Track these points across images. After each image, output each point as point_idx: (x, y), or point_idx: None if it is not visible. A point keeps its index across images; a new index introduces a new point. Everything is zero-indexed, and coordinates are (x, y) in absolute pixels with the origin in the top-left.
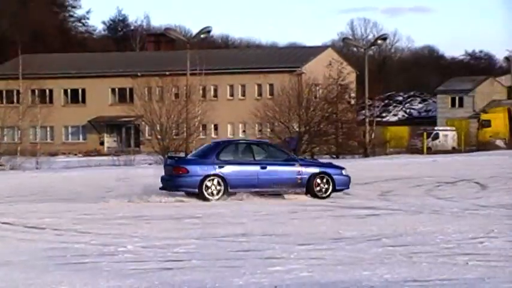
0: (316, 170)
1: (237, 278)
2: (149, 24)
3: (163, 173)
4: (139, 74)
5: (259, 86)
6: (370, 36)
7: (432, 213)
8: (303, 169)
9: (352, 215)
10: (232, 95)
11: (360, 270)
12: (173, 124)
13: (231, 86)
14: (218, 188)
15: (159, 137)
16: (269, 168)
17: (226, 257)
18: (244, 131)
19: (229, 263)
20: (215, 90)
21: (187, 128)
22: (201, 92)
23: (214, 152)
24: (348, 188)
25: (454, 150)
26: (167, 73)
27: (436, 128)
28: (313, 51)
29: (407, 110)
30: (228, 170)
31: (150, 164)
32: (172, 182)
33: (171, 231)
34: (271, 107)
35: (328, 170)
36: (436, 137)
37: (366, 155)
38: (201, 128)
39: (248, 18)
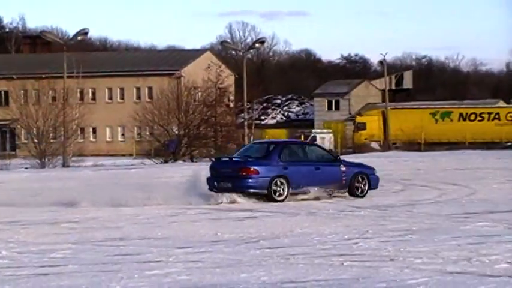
0: (356, 170)
1: (114, 283)
2: (25, 26)
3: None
4: (14, 76)
5: (138, 89)
6: (249, 40)
7: (309, 215)
8: (346, 169)
9: (231, 217)
10: (110, 98)
11: (238, 272)
12: (50, 128)
13: (110, 89)
14: (283, 189)
15: (35, 140)
16: (321, 168)
17: (104, 261)
18: (123, 135)
19: (107, 268)
20: (93, 93)
21: (64, 131)
22: (78, 95)
23: (275, 153)
24: (377, 187)
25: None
26: (43, 76)
27: (313, 131)
28: (192, 55)
29: (286, 113)
30: (290, 171)
31: (26, 168)
32: (239, 183)
33: (47, 236)
34: (151, 110)
35: (365, 171)
36: (314, 139)
37: None
38: (79, 132)
39: (126, 20)
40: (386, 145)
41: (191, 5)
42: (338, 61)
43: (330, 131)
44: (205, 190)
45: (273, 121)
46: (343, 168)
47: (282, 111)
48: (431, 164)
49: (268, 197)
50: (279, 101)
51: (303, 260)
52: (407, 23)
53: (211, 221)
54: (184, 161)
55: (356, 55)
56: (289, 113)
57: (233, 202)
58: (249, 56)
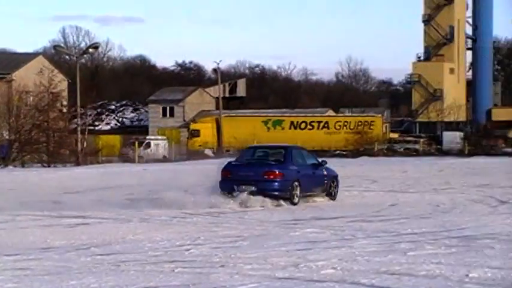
0: (331, 174)
1: None
2: None
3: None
4: None
5: None
6: (83, 45)
7: (142, 222)
8: (327, 173)
9: (62, 224)
10: None
11: (68, 279)
12: None
13: None
14: (298, 192)
15: None
16: (315, 172)
17: None
18: None
19: None
20: None
21: None
22: None
23: (289, 156)
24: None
25: (165, 159)
26: None
27: (147, 137)
28: (23, 58)
29: (120, 119)
30: (301, 174)
31: None
32: (264, 186)
33: None
34: None
35: (335, 174)
36: (148, 146)
37: (78, 163)
38: None
39: None
40: (220, 152)
41: (23, 8)
42: (173, 68)
43: (165, 137)
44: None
45: (107, 127)
46: (325, 172)
47: (116, 117)
48: None
49: (290, 200)
50: (113, 107)
51: (134, 266)
52: (241, 32)
53: (42, 228)
54: (15, 166)
55: (191, 62)
56: (124, 119)
57: (262, 206)
58: (83, 61)
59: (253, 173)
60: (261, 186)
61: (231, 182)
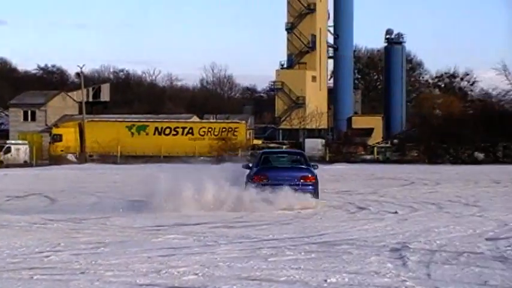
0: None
1: None
2: None
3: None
4: None
5: None
6: None
7: (0, 228)
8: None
9: None
10: None
11: None
12: None
13: None
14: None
15: None
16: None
17: None
18: None
19: None
20: None
21: None
22: None
23: (307, 161)
24: None
25: (26, 164)
26: None
27: (8, 142)
28: None
29: None
30: (316, 177)
31: None
32: (301, 189)
33: None
34: None
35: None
36: (9, 150)
37: None
38: None
39: None
40: (83, 157)
41: None
42: (35, 71)
43: (26, 142)
44: None
45: None
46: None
47: None
48: (126, 176)
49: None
50: None
51: None
52: (105, 37)
53: None
54: None
55: (53, 66)
56: None
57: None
58: None
59: (290, 177)
60: (299, 189)
61: (265, 186)
